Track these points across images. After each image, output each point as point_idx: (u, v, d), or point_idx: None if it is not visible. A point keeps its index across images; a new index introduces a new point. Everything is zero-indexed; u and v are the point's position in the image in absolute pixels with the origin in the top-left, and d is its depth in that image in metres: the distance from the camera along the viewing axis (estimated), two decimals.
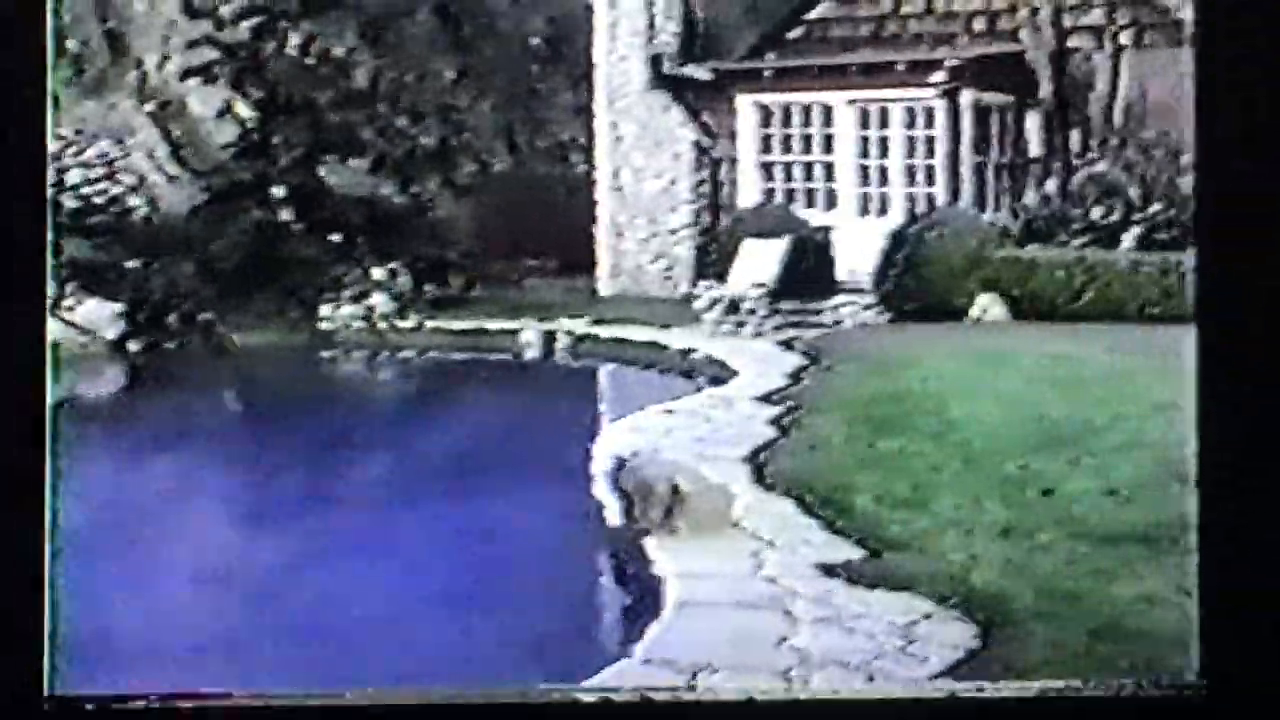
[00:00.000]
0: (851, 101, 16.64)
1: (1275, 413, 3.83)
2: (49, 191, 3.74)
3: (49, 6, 3.72)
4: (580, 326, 15.51)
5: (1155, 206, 15.54)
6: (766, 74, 16.99)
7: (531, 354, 15.28)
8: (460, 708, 4.23)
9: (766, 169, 17.00)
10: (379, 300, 15.26)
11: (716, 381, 13.47)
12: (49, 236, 3.66)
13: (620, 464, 10.66)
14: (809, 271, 16.07)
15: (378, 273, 15.30)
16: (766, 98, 16.98)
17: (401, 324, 15.30)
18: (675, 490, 9.94)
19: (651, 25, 16.90)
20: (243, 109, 14.56)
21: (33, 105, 3.63)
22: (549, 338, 15.39)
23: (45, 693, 3.93)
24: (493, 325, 15.21)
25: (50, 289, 3.74)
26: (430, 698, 4.24)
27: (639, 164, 17.05)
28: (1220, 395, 3.97)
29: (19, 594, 3.63)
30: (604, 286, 16.87)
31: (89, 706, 4.61)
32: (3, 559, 3.64)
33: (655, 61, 17.03)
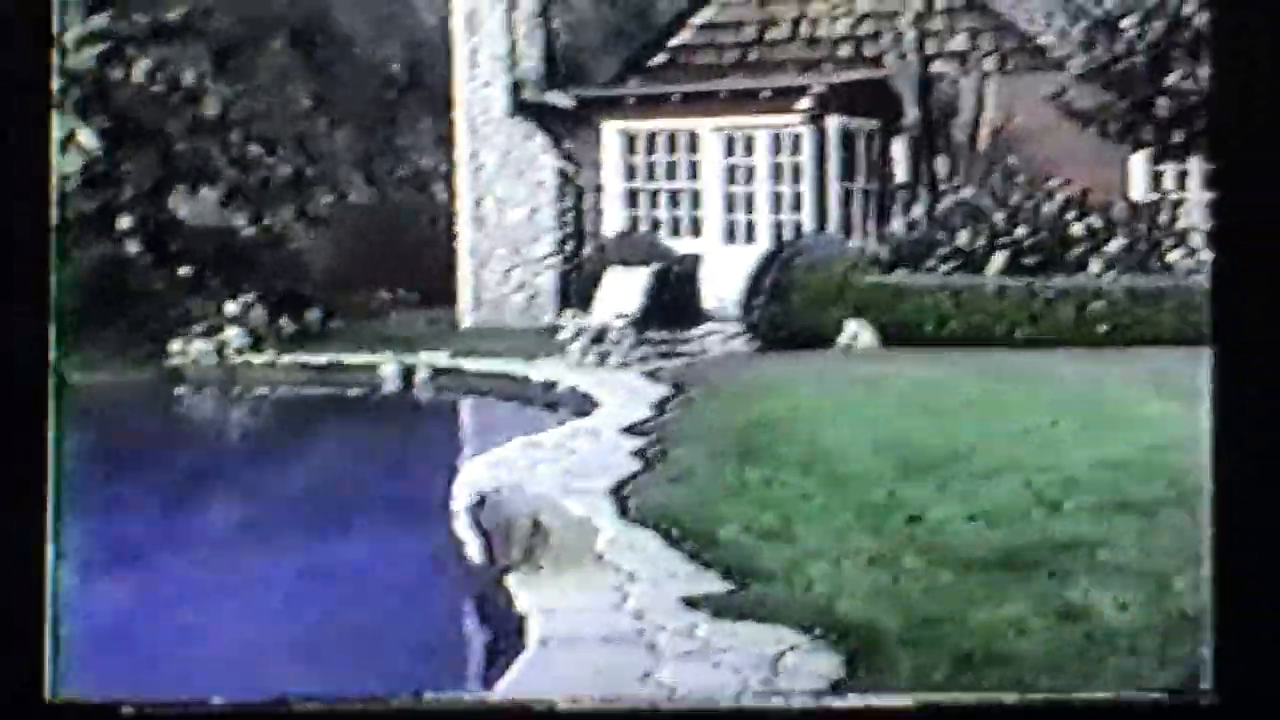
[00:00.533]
0: (717, 128, 16.85)
1: None
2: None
3: None
4: (441, 359, 15.31)
5: (1020, 231, 15.67)
6: (630, 101, 17.16)
7: (390, 388, 15.07)
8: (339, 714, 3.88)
9: (631, 197, 17.12)
10: (232, 335, 15.09)
11: (581, 413, 13.40)
12: None
13: (481, 500, 10.55)
14: (675, 300, 16.23)
15: (230, 307, 15.11)
16: (631, 125, 17.16)
17: (255, 359, 15.14)
18: (537, 525, 9.93)
19: (513, 51, 16.95)
20: (87, 138, 14.35)
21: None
22: (408, 371, 15.19)
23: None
24: (350, 359, 15.03)
25: None
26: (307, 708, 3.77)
27: (501, 193, 16.99)
28: (1237, 416, 4.12)
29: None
30: (466, 318, 16.74)
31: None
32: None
33: (517, 88, 17.07)
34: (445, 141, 16.73)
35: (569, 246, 16.92)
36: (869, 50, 16.89)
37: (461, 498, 10.44)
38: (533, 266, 16.81)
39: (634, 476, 10.84)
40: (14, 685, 4.07)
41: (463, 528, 10.11)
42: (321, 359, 14.92)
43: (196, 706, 5.12)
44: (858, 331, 15.19)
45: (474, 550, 9.71)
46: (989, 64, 16.61)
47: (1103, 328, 14.67)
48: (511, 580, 9.02)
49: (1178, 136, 15.45)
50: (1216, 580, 6.41)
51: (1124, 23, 15.70)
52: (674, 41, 17.64)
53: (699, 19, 17.56)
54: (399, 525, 10.13)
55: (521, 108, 16.94)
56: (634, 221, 17.05)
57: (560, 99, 17.01)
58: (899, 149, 16.72)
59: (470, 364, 15.07)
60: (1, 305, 3.86)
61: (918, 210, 16.29)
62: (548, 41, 17.04)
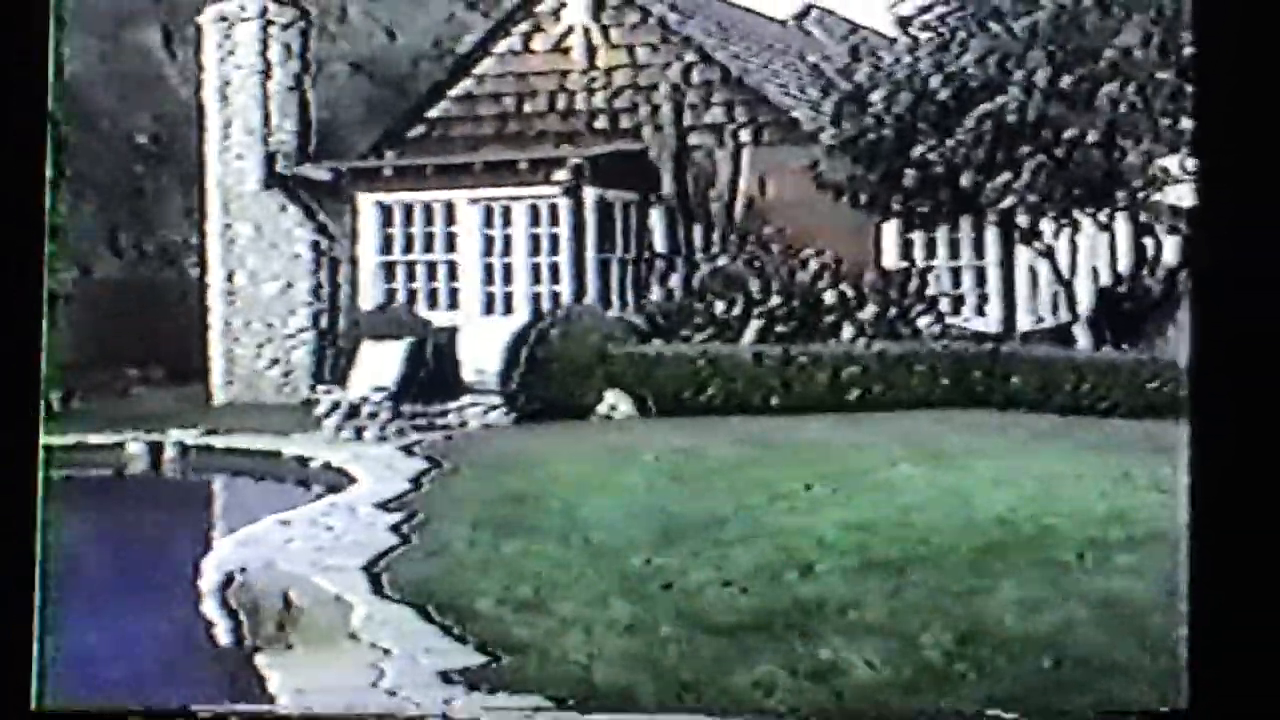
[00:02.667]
0: (474, 200, 16.91)
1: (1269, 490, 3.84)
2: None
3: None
4: (191, 437, 15.15)
5: (775, 299, 15.99)
6: (387, 172, 17.14)
7: (138, 468, 14.87)
8: None
9: (388, 269, 17.04)
10: None
11: (335, 489, 13.30)
12: None
13: (229, 579, 10.43)
14: (433, 373, 16.10)
15: None
16: (387, 196, 17.13)
17: None
18: (288, 604, 9.84)
19: (267, 123, 16.88)
20: None
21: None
22: (157, 450, 15.00)
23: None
24: (95, 439, 14.75)
25: None
26: None
27: (254, 266, 16.86)
28: (1215, 473, 4.17)
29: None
30: (218, 394, 16.61)
31: None
32: None
33: (271, 160, 17.03)
34: (196, 214, 16.71)
35: (324, 320, 16.81)
36: (626, 122, 17.06)
37: (210, 577, 10.35)
38: (287, 341, 16.69)
39: (390, 552, 10.81)
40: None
41: (211, 608, 10.04)
42: (64, 440, 14.48)
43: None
44: (615, 402, 15.37)
45: (223, 631, 9.64)
46: (744, 136, 16.86)
47: (855, 393, 14.91)
48: (261, 660, 8.96)
49: (924, 206, 15.70)
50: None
51: (873, 96, 15.97)
52: (432, 113, 17.63)
53: (457, 90, 17.65)
54: (146, 607, 10.00)
55: (275, 180, 16.94)
56: (391, 294, 16.98)
57: (315, 171, 17.00)
58: (656, 220, 16.97)
59: (221, 441, 14.98)
60: None
61: (675, 280, 16.59)
62: (302, 113, 17.00)
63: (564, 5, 17.45)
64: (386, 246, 17.07)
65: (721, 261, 16.48)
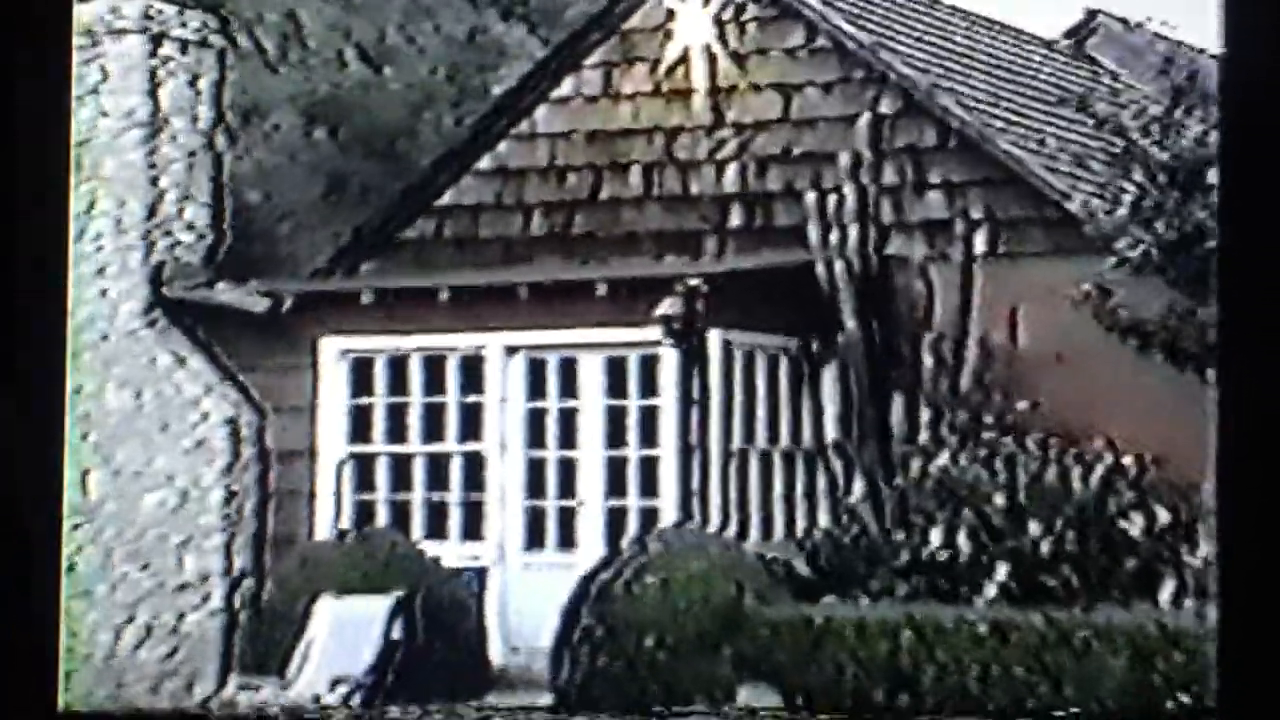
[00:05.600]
0: (515, 349, 17.02)
1: None
2: None
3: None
4: None
5: (1034, 529, 15.78)
6: (365, 299, 17.29)
7: None
8: None
9: (363, 466, 17.23)
10: None
11: None
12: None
13: None
14: (437, 652, 16.15)
15: None
16: (365, 342, 17.29)
17: None
18: None
19: (154, 210, 16.99)
20: None
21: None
22: None
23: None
24: None
25: None
26: None
27: (123, 462, 16.75)
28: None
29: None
30: (60, 695, 15.15)
31: None
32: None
33: (158, 276, 16.99)
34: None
35: (244, 559, 16.55)
36: (779, 216, 17.26)
37: None
38: (179, 597, 16.40)
39: None
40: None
41: None
42: None
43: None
44: (754, 701, 15.50)
45: None
46: (980, 241, 16.94)
47: (1184, 699, 14.94)
48: None
49: None
50: None
51: (1210, 173, 15.82)
52: (444, 198, 17.84)
53: (487, 160, 17.94)
54: None
55: (167, 311, 16.91)
56: (367, 512, 17.03)
57: (239, 297, 16.87)
58: (828, 384, 16.91)
59: None
60: None
61: (857, 490, 16.60)
62: (216, 195, 17.07)
63: (672, 16, 17.55)
64: (362, 427, 17.15)
65: (940, 459, 16.30)
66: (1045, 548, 15.79)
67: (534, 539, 16.84)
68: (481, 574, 16.68)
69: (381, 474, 17.09)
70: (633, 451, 16.64)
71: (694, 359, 16.65)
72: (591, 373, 16.72)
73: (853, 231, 17.02)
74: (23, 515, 5.66)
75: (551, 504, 16.86)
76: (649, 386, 16.64)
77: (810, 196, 17.05)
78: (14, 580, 5.71)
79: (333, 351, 17.15)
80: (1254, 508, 6.59)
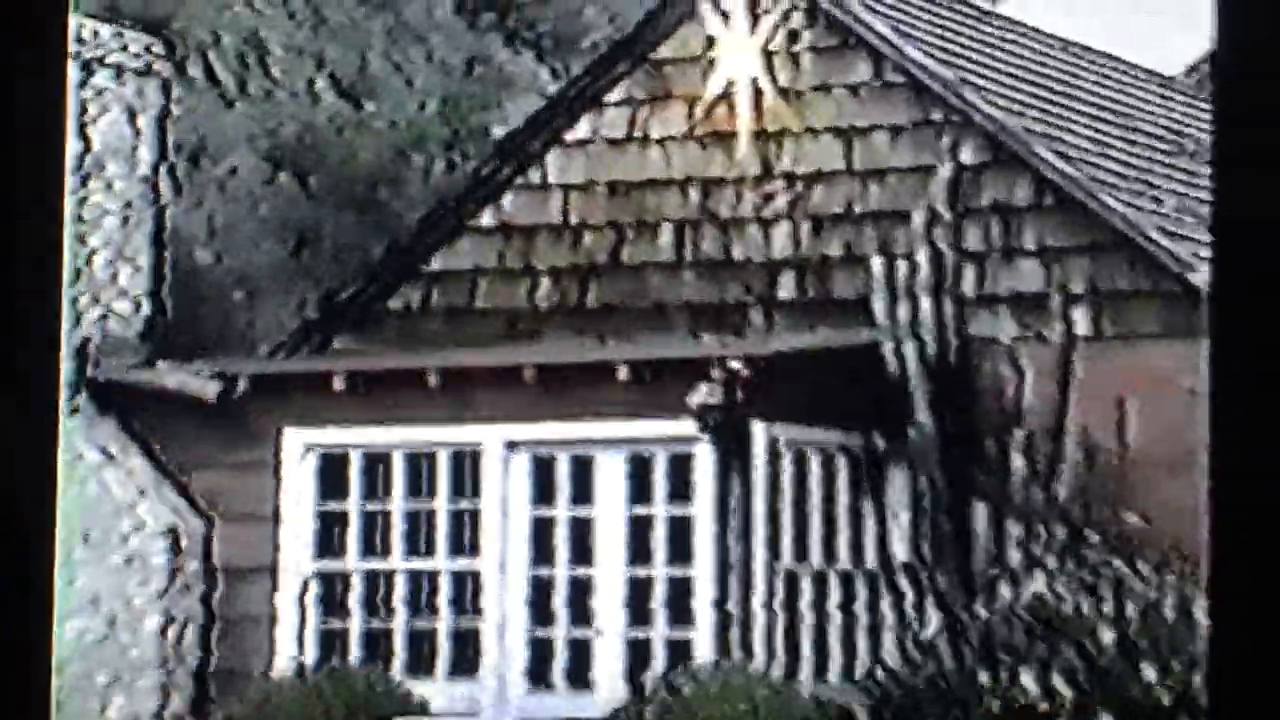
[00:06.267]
0: (518, 445, 16.95)
1: None
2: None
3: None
4: None
5: (1149, 672, 15.81)
6: (338, 384, 17.16)
7: None
8: None
9: (331, 589, 17.12)
10: None
11: None
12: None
13: None
14: None
15: None
16: (338, 435, 17.19)
17: None
18: None
19: (79, 274, 17.21)
20: None
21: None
22: None
23: None
24: None
25: None
26: None
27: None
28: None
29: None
30: None
31: None
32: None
33: (82, 354, 17.08)
34: None
35: (185, 700, 16.83)
36: (840, 285, 17.35)
37: None
38: None
39: None
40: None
41: None
42: None
43: None
44: None
45: None
46: (1081, 320, 16.96)
47: None
48: None
49: None
50: None
51: None
52: (435, 261, 17.85)
53: (488, 215, 17.96)
54: None
55: (94, 395, 17.06)
56: (336, 641, 17.10)
57: (183, 378, 17.02)
58: (895, 490, 17.02)
59: None
60: None
61: (933, 622, 16.84)
62: (157, 253, 17.24)
63: (713, 45, 17.53)
64: (332, 538, 17.24)
65: (1033, 585, 16.43)
66: (1164, 696, 15.78)
67: (539, 676, 16.91)
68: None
69: (355, 595, 17.22)
70: (660, 570, 16.72)
71: (734, 458, 16.59)
72: (611, 474, 16.79)
73: (927, 305, 16.96)
74: (22, 515, 5.51)
75: (561, 633, 16.94)
76: (680, 491, 16.69)
77: (877, 263, 16.92)
78: (14, 580, 5.41)
79: (298, 446, 17.23)
80: None
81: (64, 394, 16.58)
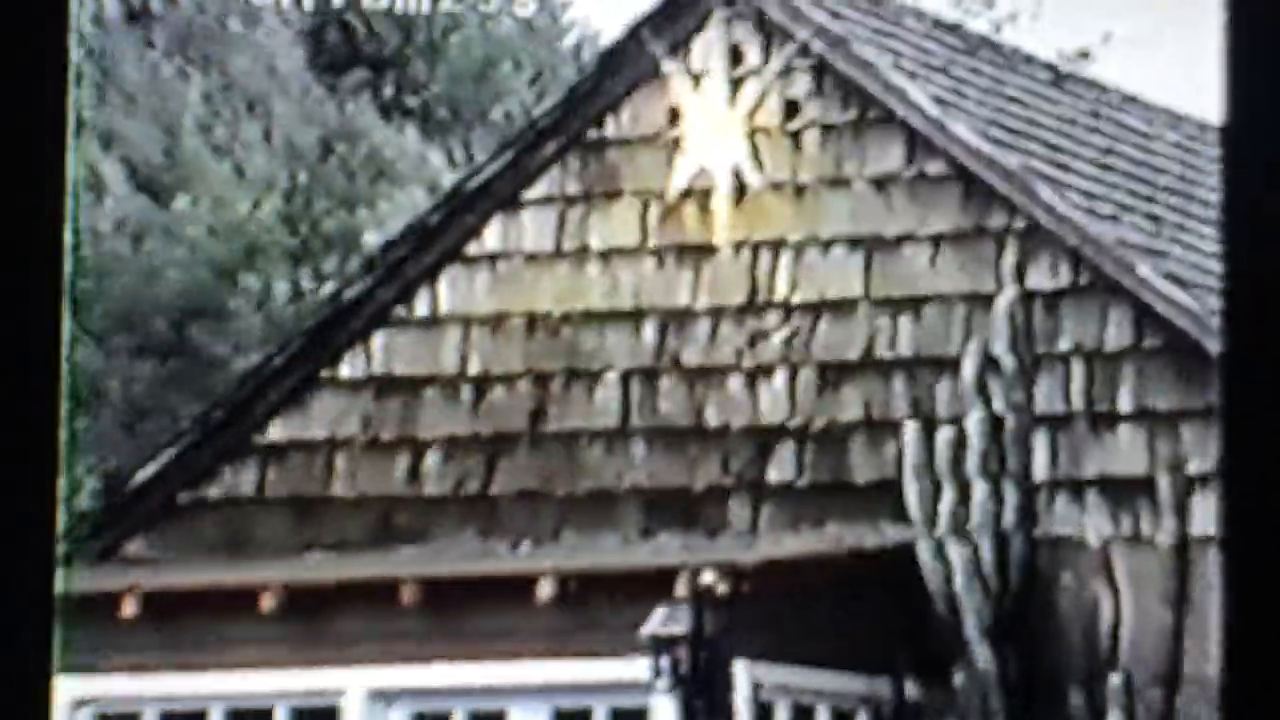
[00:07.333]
0: (381, 694, 16.76)
1: None
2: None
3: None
4: None
5: None
6: (128, 614, 16.74)
7: None
8: None
9: None
10: None
11: None
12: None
13: None
14: None
15: None
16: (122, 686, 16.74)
17: None
18: None
19: None
20: None
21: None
22: None
23: None
24: None
25: None
26: None
27: None
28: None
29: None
30: None
31: None
32: None
33: None
34: None
35: None
36: (857, 462, 16.94)
37: None
38: None
39: None
40: None
41: None
42: None
43: None
44: None
45: None
46: (1202, 513, 16.69)
47: None
48: None
49: None
50: None
51: None
52: (269, 428, 17.19)
53: (348, 363, 17.31)
54: None
55: None
56: None
57: None
58: None
59: None
60: None
61: None
62: None
63: (677, 119, 16.69)
64: None
65: None
66: None
67: None
68: None
69: None
70: None
71: (706, 715, 15.31)
72: None
73: (982, 493, 16.29)
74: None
75: None
76: None
77: (910, 430, 16.04)
78: (13, 581, 5.58)
79: (63, 701, 15.80)
80: None
81: None
